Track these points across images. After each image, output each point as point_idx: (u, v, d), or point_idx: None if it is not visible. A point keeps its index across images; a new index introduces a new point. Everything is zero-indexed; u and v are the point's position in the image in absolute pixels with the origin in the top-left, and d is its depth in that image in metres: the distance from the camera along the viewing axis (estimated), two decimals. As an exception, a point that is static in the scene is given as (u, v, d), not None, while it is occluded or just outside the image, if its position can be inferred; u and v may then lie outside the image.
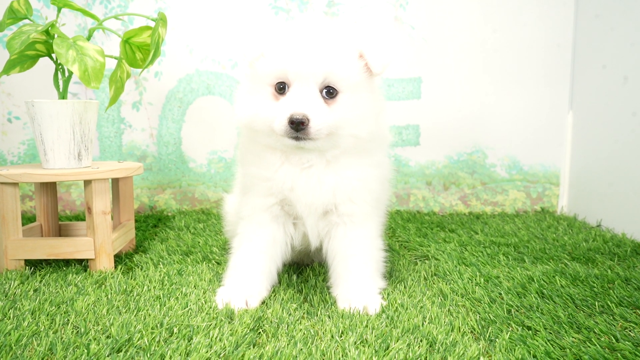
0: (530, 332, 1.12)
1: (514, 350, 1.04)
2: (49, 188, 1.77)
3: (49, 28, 1.52)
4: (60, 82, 1.61)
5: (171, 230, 2.07)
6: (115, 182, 1.77)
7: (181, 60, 2.35)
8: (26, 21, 1.61)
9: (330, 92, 1.22)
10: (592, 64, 2.25)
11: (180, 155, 2.41)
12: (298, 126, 1.16)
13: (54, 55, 1.58)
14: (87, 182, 1.54)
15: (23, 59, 1.57)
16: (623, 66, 2.02)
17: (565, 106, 2.41)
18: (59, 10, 1.61)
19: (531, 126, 2.43)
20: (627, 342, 1.05)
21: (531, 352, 1.03)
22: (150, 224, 2.18)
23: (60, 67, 1.60)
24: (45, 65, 1.68)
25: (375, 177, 1.35)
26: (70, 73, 1.59)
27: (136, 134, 2.38)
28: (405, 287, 1.41)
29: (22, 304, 1.26)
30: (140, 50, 1.66)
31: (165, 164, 2.41)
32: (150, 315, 1.19)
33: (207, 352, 1.01)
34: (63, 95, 1.62)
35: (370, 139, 1.28)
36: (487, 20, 2.37)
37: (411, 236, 1.98)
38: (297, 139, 1.19)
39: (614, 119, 2.08)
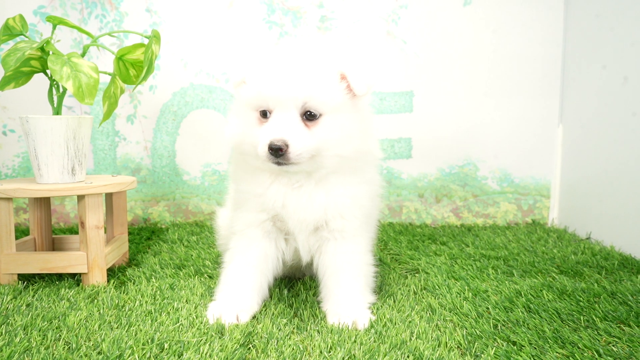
0: (515, 347, 1.13)
1: (499, 365, 1.06)
2: (43, 202, 1.78)
3: (44, 45, 1.54)
4: (55, 98, 1.63)
5: (164, 243, 2.08)
6: (109, 195, 1.79)
7: (176, 74, 2.38)
8: (22, 37, 1.63)
9: (312, 115, 1.23)
10: (581, 78, 2.29)
11: (174, 168, 2.43)
12: (277, 152, 1.19)
13: (48, 72, 1.60)
14: (81, 197, 1.55)
15: (18, 75, 1.59)
16: (614, 81, 2.06)
17: (555, 119, 2.45)
18: (54, 27, 1.63)
19: (522, 139, 2.46)
20: (609, 358, 1.07)
21: (516, 367, 1.05)
22: (144, 237, 2.19)
23: (54, 83, 1.62)
24: (40, 78, 1.69)
25: (366, 193, 1.38)
26: (65, 89, 1.61)
27: (130, 146, 2.40)
28: (394, 301, 1.43)
29: (14, 319, 1.27)
30: (133, 67, 1.69)
31: (159, 176, 2.43)
32: (141, 330, 1.20)
33: (196, 368, 1.03)
34: (57, 111, 1.64)
35: (357, 157, 1.30)
36: (478, 34, 2.40)
37: (402, 249, 2.00)
38: (279, 163, 1.22)
39: (604, 132, 2.11)
